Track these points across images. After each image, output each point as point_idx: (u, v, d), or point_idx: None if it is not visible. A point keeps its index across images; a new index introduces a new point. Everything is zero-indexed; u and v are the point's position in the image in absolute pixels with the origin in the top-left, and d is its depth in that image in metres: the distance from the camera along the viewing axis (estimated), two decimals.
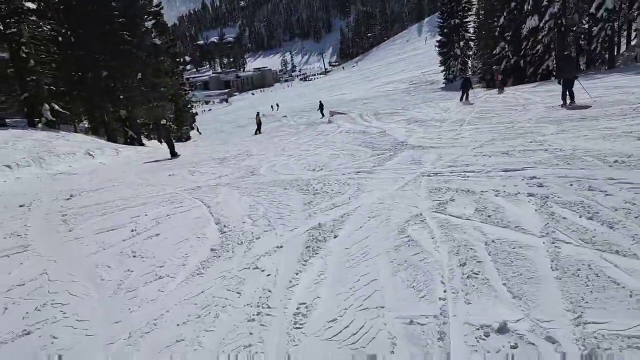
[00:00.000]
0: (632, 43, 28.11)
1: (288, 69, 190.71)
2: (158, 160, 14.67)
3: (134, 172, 11.60)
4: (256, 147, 14.31)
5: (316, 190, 6.50)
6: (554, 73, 26.62)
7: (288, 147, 12.89)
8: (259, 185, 7.47)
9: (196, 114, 34.23)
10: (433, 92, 42.30)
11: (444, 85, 46.58)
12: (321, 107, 33.78)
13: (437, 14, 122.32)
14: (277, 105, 61.48)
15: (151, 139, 24.93)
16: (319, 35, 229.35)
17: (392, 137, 10.96)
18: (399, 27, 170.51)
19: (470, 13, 46.62)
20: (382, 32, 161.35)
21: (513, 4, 28.42)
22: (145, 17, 21.17)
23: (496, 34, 29.47)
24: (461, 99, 19.68)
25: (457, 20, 44.45)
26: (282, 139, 16.15)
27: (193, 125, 34.10)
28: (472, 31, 46.21)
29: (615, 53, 26.08)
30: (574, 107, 11.29)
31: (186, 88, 28.28)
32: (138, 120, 20.96)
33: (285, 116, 38.31)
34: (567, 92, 11.90)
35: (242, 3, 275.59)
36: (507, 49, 29.27)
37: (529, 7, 26.78)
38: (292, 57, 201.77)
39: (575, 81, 12.05)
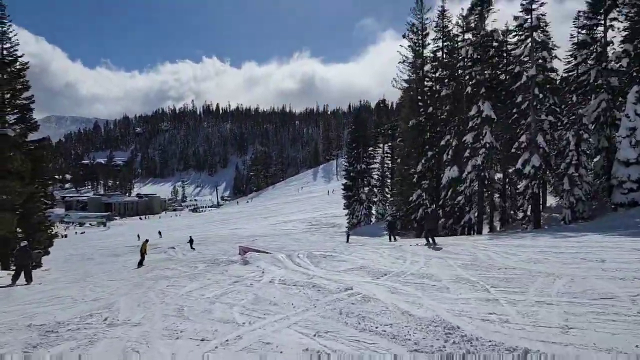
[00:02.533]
0: (548, 204, 28.61)
1: (178, 198, 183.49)
2: None
3: None
4: (128, 300, 8.79)
5: None
6: (475, 228, 25.47)
7: (188, 308, 7.61)
8: None
9: (56, 235, 26.70)
10: (340, 234, 39.61)
11: (347, 228, 44.58)
12: (191, 242, 32.24)
13: (335, 159, 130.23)
14: (160, 233, 54.61)
15: None
16: (214, 169, 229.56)
17: (384, 305, 6.55)
18: (293, 171, 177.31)
19: (375, 160, 47.15)
20: (278, 173, 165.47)
21: (430, 153, 28.04)
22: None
23: (414, 180, 28.38)
24: (391, 240, 16.48)
25: (363, 166, 44.30)
26: (173, 284, 10.67)
27: (48, 250, 26.49)
28: (376, 177, 46.25)
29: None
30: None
31: (47, 201, 21.67)
32: None
33: (174, 247, 32.07)
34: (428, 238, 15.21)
35: (138, 129, 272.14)
36: (424, 197, 28.04)
37: (448, 157, 26.34)
38: (183, 187, 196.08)
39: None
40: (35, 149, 19.45)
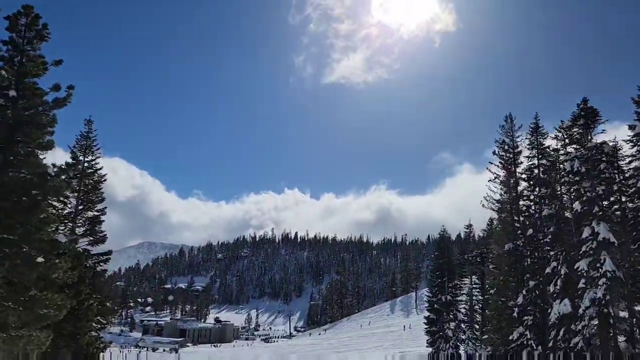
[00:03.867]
0: None
1: (251, 326, 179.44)
2: None
3: None
4: None
5: None
6: None
7: None
8: None
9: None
10: None
11: None
12: None
13: (415, 291, 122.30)
14: None
15: None
16: (289, 297, 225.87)
17: None
18: (369, 302, 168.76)
19: (462, 291, 42.51)
20: (354, 304, 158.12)
21: (532, 283, 23.90)
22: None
23: (514, 315, 23.95)
24: None
25: (448, 297, 39.77)
26: None
27: None
28: (463, 311, 41.12)
29: None
30: None
31: (102, 320, 20.15)
32: None
33: None
34: None
35: (219, 255, 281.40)
36: (528, 337, 23.28)
37: (556, 288, 22.13)
38: (257, 315, 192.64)
39: None
40: (93, 262, 19.08)
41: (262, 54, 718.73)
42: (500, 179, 27.80)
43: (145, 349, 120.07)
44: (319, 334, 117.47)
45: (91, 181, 21.43)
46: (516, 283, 25.06)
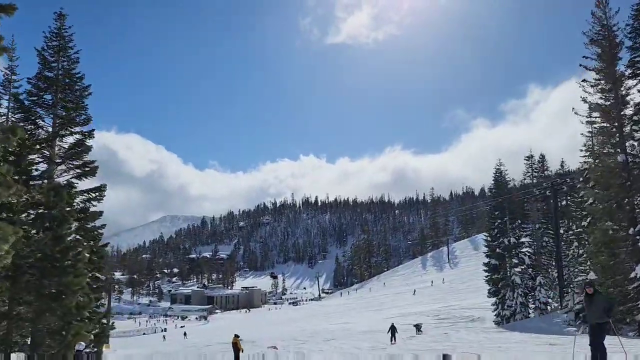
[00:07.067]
0: None
1: (278, 291, 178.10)
2: None
3: None
4: None
5: None
6: None
7: None
8: None
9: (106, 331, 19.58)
10: (495, 331, 29.02)
11: (496, 323, 33.76)
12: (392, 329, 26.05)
13: (446, 246, 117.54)
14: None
15: None
16: (314, 261, 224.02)
17: None
18: (396, 261, 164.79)
19: (526, 232, 36.88)
20: (382, 263, 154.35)
21: None
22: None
23: (629, 246, 18.20)
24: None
25: (512, 240, 34.24)
26: None
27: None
28: (528, 254, 35.57)
29: None
30: None
31: (100, 276, 15.61)
32: None
33: (275, 347, 24.00)
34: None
35: (241, 223, 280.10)
36: None
37: None
38: (284, 279, 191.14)
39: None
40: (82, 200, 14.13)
41: (268, 21, 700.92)
42: (596, 77, 21.55)
43: (176, 317, 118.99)
44: (348, 293, 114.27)
45: (71, 95, 16.05)
46: (631, 206, 19.27)
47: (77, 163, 15.75)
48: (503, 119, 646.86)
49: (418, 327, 31.12)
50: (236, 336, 18.82)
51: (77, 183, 15.78)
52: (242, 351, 18.20)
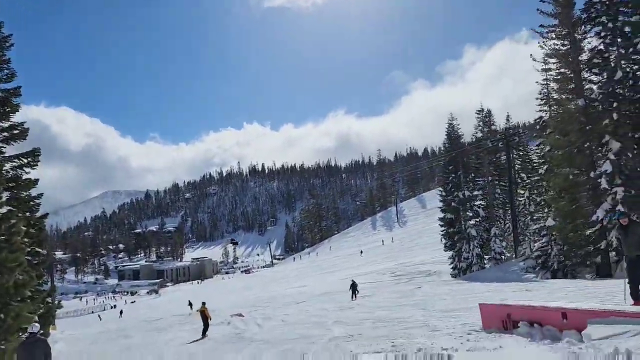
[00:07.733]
0: None
1: (230, 260, 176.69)
2: None
3: None
4: None
5: None
6: None
7: None
8: None
9: (52, 311, 18.02)
10: (456, 283, 29.60)
11: (453, 276, 34.60)
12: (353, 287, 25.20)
13: (395, 206, 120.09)
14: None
15: None
16: (264, 228, 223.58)
17: None
18: (345, 224, 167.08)
19: (478, 185, 37.63)
20: (332, 226, 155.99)
21: (617, 145, 18.05)
22: None
23: (588, 191, 18.07)
24: None
25: (466, 193, 34.74)
26: None
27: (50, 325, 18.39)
28: (482, 207, 36.37)
29: None
30: None
31: (41, 250, 13.88)
32: None
33: (240, 314, 23.11)
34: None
35: (187, 195, 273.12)
36: (620, 211, 17.68)
37: None
38: (234, 248, 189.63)
39: None
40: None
41: None
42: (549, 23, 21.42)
43: (125, 293, 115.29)
44: (300, 258, 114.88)
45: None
46: (590, 151, 19.56)
47: (3, 125, 13.53)
48: (441, 80, 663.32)
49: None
50: (203, 304, 18.16)
51: (4, 147, 13.62)
52: (211, 319, 17.71)
